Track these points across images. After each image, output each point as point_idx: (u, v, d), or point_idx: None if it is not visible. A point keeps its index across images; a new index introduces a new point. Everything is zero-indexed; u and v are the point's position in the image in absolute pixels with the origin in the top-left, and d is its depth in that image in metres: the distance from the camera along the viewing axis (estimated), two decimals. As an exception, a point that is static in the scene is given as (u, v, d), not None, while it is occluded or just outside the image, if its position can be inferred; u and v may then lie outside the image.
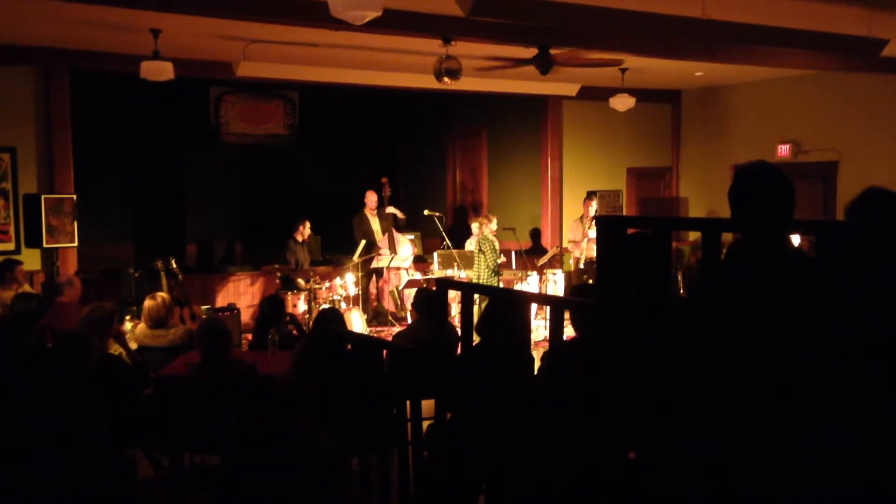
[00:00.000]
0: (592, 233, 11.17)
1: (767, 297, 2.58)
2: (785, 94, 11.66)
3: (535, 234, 12.68)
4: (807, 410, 2.44)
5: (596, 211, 11.47)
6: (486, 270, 9.58)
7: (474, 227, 10.18)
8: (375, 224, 10.93)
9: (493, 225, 9.86)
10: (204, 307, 8.86)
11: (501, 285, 10.29)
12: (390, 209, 11.28)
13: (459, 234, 11.85)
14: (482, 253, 9.59)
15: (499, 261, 9.71)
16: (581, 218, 11.48)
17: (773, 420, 2.50)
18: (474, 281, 9.70)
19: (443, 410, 3.93)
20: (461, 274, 10.16)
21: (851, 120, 10.87)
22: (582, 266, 11.04)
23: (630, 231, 2.79)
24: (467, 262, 10.07)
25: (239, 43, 8.61)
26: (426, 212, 10.98)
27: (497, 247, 9.75)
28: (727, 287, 2.60)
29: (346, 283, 9.99)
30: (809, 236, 3.66)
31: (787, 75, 11.18)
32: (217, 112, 12.91)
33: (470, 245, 10.17)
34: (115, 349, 5.50)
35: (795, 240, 3.32)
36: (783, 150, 11.51)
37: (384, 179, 11.33)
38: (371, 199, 11.00)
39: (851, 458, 2.37)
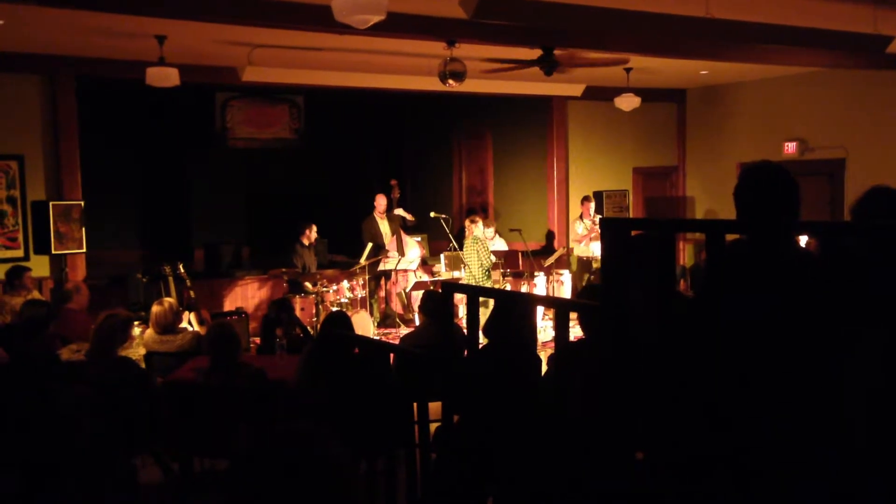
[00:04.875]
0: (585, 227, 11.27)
1: (773, 298, 2.58)
2: (790, 92, 11.63)
3: (550, 236, 12.66)
4: (814, 408, 2.44)
5: (594, 211, 11.49)
6: (480, 270, 9.64)
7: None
8: (384, 227, 10.93)
9: (481, 226, 9.90)
10: (212, 311, 8.88)
11: (508, 287, 10.31)
12: (398, 211, 11.28)
13: (467, 236, 11.87)
14: (476, 253, 9.64)
15: (492, 259, 9.77)
16: (581, 217, 11.53)
17: (778, 418, 2.50)
18: (467, 281, 9.75)
19: (450, 413, 3.94)
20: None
21: (858, 117, 10.84)
22: (593, 267, 11.05)
23: (634, 233, 2.79)
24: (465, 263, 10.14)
25: (244, 48, 8.64)
26: (432, 214, 11.02)
27: (487, 246, 9.82)
28: (733, 288, 2.60)
29: (354, 286, 10.00)
30: (814, 237, 3.65)
31: (792, 73, 11.15)
32: (223, 117, 12.96)
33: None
34: (130, 352, 5.52)
35: (802, 239, 3.31)
36: (789, 147, 11.47)
37: (393, 182, 11.34)
38: (381, 202, 11.00)
39: (862, 457, 2.37)
